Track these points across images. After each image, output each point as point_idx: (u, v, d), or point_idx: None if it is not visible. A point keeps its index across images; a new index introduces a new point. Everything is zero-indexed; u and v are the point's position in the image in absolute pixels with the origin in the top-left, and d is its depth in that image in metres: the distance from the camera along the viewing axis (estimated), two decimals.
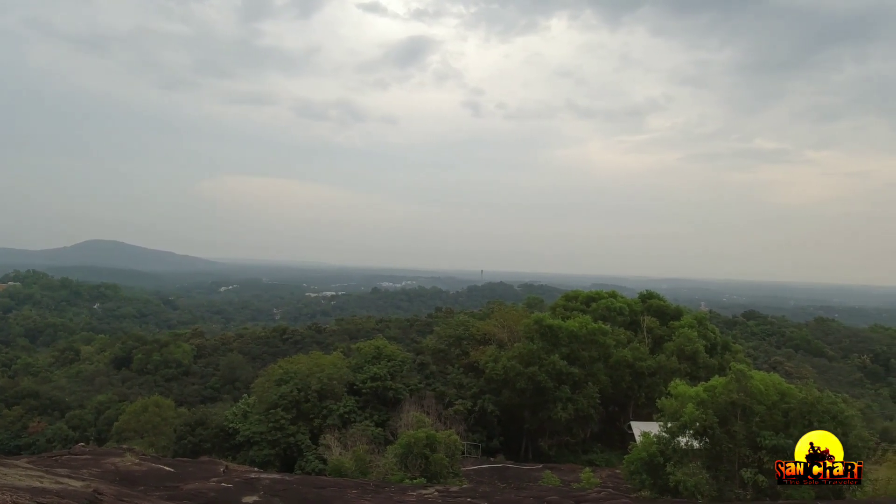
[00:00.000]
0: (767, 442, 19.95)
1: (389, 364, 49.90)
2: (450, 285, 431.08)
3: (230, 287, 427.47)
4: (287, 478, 24.70)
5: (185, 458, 31.60)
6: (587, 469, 32.04)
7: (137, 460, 22.45)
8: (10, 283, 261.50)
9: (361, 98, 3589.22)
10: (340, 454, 35.73)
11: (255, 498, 18.80)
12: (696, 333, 50.26)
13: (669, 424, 22.32)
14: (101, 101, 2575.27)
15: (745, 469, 20.18)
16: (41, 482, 14.00)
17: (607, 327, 50.20)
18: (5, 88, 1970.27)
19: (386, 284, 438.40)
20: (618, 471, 31.46)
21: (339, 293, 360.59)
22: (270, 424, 44.57)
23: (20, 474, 14.64)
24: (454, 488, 24.42)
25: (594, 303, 57.07)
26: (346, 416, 45.74)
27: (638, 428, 37.99)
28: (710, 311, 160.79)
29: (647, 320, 54.74)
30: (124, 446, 31.22)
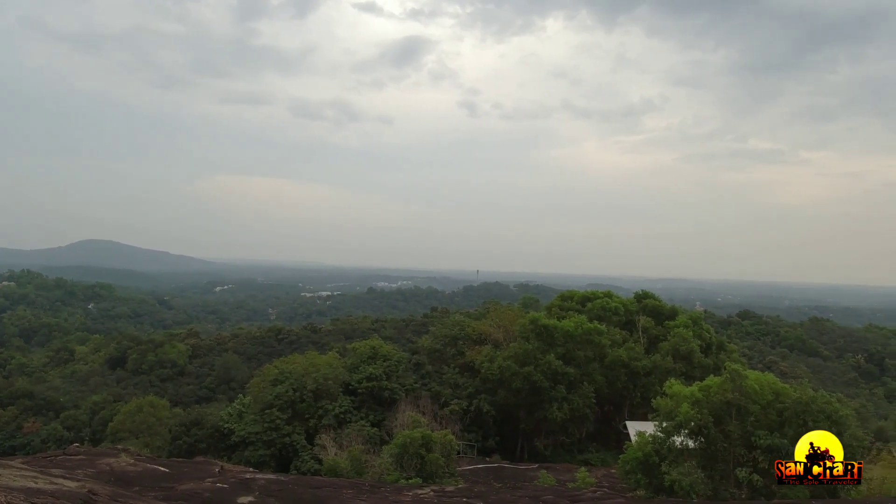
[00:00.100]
0: (762, 441, 20.01)
1: (385, 364, 49.87)
2: (445, 285, 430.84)
3: (225, 287, 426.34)
4: (282, 478, 24.67)
5: (180, 459, 31.54)
6: (583, 469, 32.10)
7: (132, 461, 22.39)
8: (5, 282, 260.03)
9: (357, 98, 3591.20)
10: (336, 454, 35.74)
11: (250, 498, 18.78)
12: (691, 333, 50.45)
13: (665, 424, 22.36)
14: (96, 100, 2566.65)
15: (740, 468, 20.24)
16: (36, 483, 13.95)
17: (603, 327, 50.31)
18: (0, 88, 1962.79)
19: (381, 284, 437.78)
20: (613, 470, 31.50)
21: (335, 293, 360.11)
22: (266, 425, 44.52)
23: (15, 475, 14.59)
24: (450, 488, 24.42)
25: (590, 303, 57.21)
26: (342, 416, 45.69)
27: (633, 427, 38.13)
28: (705, 311, 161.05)
29: (643, 320, 54.89)
30: (119, 447, 31.07)
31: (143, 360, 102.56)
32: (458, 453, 37.25)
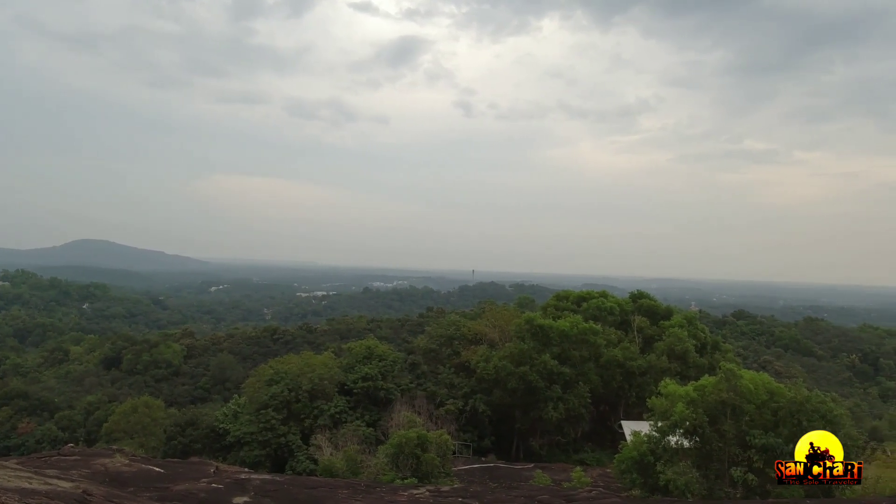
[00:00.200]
0: (757, 441, 20.09)
1: (381, 364, 49.83)
2: (441, 285, 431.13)
3: (220, 287, 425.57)
4: (278, 478, 24.62)
5: (175, 459, 31.43)
6: (578, 468, 32.12)
7: (127, 461, 22.32)
8: None
9: (353, 97, 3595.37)
10: (331, 454, 35.67)
11: (245, 499, 18.75)
12: (686, 333, 50.59)
13: (660, 424, 22.43)
14: (91, 99, 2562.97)
15: (734, 468, 20.32)
16: (30, 483, 13.90)
17: (598, 327, 50.38)
18: None
19: (377, 284, 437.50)
20: (608, 470, 31.58)
21: (330, 293, 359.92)
22: (261, 425, 44.43)
23: (9, 475, 14.53)
24: (445, 488, 24.42)
25: (585, 303, 57.33)
26: (337, 416, 45.64)
27: (628, 427, 38.15)
28: (700, 311, 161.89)
29: (638, 320, 55.02)
30: (114, 447, 30.94)
31: (137, 360, 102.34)
32: (454, 453, 37.25)
